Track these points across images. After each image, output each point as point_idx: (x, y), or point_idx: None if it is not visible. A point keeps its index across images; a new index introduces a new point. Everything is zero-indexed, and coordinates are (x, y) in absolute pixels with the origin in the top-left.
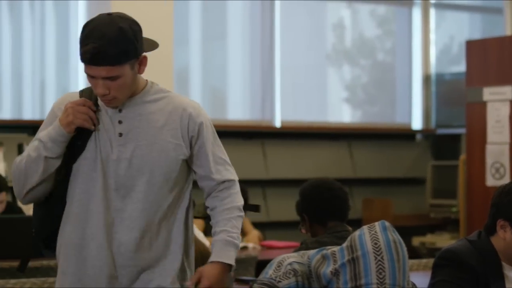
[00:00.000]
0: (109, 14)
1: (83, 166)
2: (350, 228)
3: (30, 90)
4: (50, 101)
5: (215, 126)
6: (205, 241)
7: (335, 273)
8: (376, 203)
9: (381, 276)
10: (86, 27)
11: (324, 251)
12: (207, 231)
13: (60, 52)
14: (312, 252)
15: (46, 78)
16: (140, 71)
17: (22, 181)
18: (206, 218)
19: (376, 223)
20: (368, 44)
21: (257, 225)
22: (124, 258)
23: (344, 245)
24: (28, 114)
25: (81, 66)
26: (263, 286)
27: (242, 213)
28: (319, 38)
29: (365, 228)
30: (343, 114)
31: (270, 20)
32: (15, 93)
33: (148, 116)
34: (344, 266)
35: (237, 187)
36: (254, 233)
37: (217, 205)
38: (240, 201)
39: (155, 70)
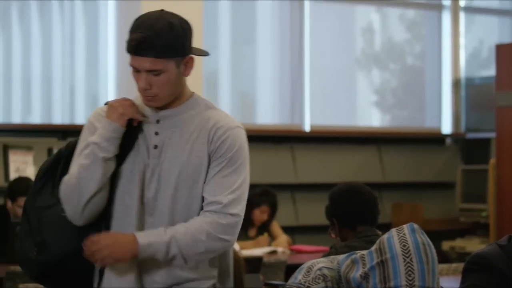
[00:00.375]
0: (161, 10)
1: (120, 178)
2: (379, 233)
3: (59, 95)
4: (80, 106)
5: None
6: (235, 245)
7: (365, 276)
8: (406, 207)
9: (410, 278)
10: (136, 20)
11: (354, 256)
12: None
13: (90, 57)
14: (341, 257)
15: (76, 83)
16: (186, 73)
17: (76, 196)
18: None
19: (405, 226)
20: (397, 48)
21: (286, 229)
22: (153, 275)
23: (373, 248)
24: (58, 118)
25: (111, 70)
26: None
27: (207, 244)
28: (349, 42)
29: (393, 230)
30: (373, 118)
31: (300, 24)
32: (45, 98)
33: (182, 128)
34: (374, 269)
35: (226, 219)
36: (283, 238)
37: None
38: (214, 235)
39: None
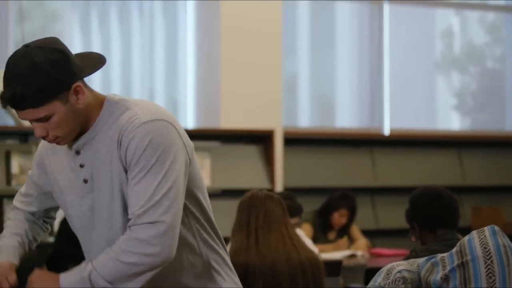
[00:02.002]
0: (27, 46)
1: (71, 217)
2: (460, 236)
3: (139, 98)
4: None
5: (323, 134)
6: (314, 248)
7: (445, 278)
8: (486, 211)
9: (491, 281)
10: (6, 65)
11: (434, 259)
12: (316, 238)
13: (169, 59)
14: (421, 260)
15: (155, 85)
16: (80, 102)
17: None
18: (315, 225)
19: (486, 228)
20: (477, 51)
21: (366, 232)
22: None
23: (454, 250)
24: None
25: (190, 73)
26: None
27: (131, 265)
28: (428, 45)
29: (474, 233)
30: (452, 122)
31: (379, 28)
32: None
33: (100, 149)
34: (454, 271)
35: (145, 231)
36: (363, 241)
37: None
38: (135, 253)
39: (264, 78)
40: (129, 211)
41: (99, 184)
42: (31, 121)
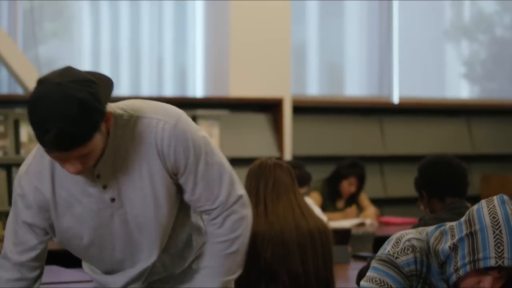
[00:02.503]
0: (59, 83)
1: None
2: (468, 205)
3: (147, 67)
4: (168, 78)
5: (332, 103)
6: (323, 216)
7: (453, 248)
8: (495, 179)
9: (499, 250)
10: (36, 105)
11: (442, 227)
12: (325, 207)
13: (178, 28)
14: (430, 228)
15: (164, 55)
16: (108, 126)
17: None
18: (323, 193)
19: (494, 197)
20: (486, 19)
21: (374, 201)
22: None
23: (462, 219)
24: (146, 90)
25: (199, 42)
26: (381, 262)
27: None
28: (437, 14)
29: (483, 202)
30: (461, 90)
31: None
32: (133, 70)
33: (122, 165)
34: (462, 240)
35: (237, 210)
36: (372, 209)
37: None
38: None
39: (273, 46)
40: (206, 204)
41: (131, 197)
42: (67, 159)
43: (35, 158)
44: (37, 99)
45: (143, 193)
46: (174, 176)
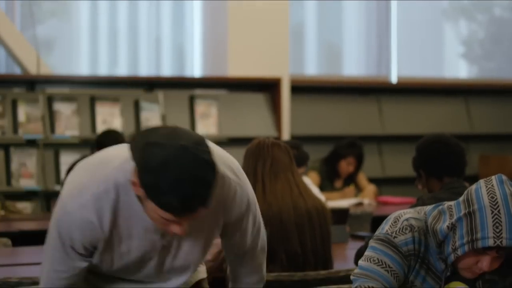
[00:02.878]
0: (184, 147)
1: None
2: (467, 184)
3: (146, 47)
4: (166, 57)
5: (330, 82)
6: (321, 196)
7: (452, 227)
8: (493, 159)
9: (497, 230)
10: (165, 170)
11: (441, 206)
12: (323, 186)
13: (176, 7)
14: (428, 208)
15: (162, 34)
16: None
17: None
18: (322, 172)
19: (493, 177)
20: None
21: (372, 181)
22: None
23: (461, 199)
24: (144, 70)
25: (197, 22)
26: (379, 242)
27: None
28: None
29: (481, 181)
30: (460, 70)
31: None
32: (131, 50)
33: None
34: (461, 220)
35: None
36: (370, 188)
37: None
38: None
39: (271, 25)
40: (237, 249)
41: (181, 245)
42: (181, 220)
43: (95, 196)
44: (165, 164)
45: (195, 242)
46: (223, 225)
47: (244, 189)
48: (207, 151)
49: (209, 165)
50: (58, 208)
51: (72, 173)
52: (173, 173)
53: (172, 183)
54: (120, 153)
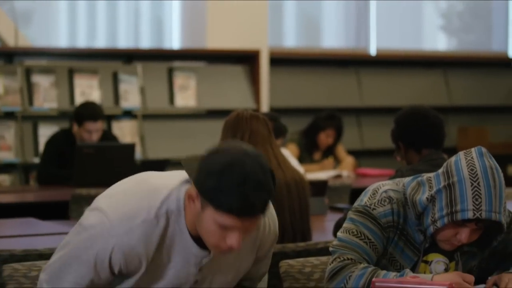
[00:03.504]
0: (247, 153)
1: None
2: (445, 156)
3: (124, 19)
4: (145, 29)
5: (309, 54)
6: (300, 168)
7: (431, 199)
8: (471, 131)
9: (477, 203)
10: (232, 170)
11: (420, 178)
12: (302, 158)
13: None
14: (407, 179)
15: (140, 6)
16: None
17: None
18: (300, 144)
19: (473, 149)
20: None
21: (351, 153)
22: None
23: (440, 171)
24: (123, 42)
25: None
26: (358, 213)
27: None
28: None
29: (461, 154)
30: (438, 42)
31: None
32: (110, 22)
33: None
34: (440, 192)
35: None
36: (349, 160)
37: None
38: None
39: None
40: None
41: (212, 281)
42: (239, 229)
43: (146, 223)
44: (229, 166)
45: (226, 278)
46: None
47: (275, 223)
48: (267, 162)
49: (271, 173)
50: (98, 223)
51: (115, 194)
52: (236, 175)
53: (234, 183)
54: (170, 182)
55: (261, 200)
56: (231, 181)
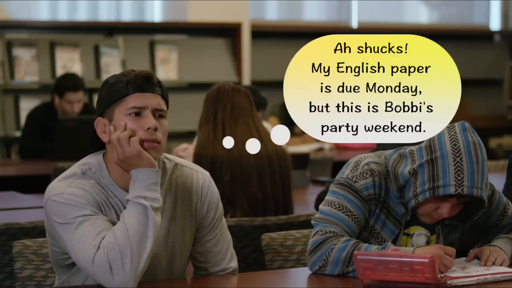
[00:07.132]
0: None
1: None
2: None
3: None
4: (126, 2)
5: (290, 27)
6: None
7: (413, 173)
8: None
9: (459, 178)
10: (123, 73)
11: (402, 150)
12: None
13: None
14: (389, 151)
15: None
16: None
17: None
18: (282, 118)
19: (456, 124)
20: None
21: None
22: None
23: (423, 144)
24: (104, 15)
25: None
26: (340, 186)
27: None
28: None
29: (444, 128)
30: (420, 15)
31: None
32: None
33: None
34: (422, 166)
35: None
36: None
37: None
38: None
39: None
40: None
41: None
42: (148, 109)
43: (77, 176)
44: (113, 77)
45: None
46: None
47: (214, 193)
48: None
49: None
50: (52, 193)
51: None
52: (118, 74)
53: (122, 78)
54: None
55: (149, 74)
56: (118, 77)
